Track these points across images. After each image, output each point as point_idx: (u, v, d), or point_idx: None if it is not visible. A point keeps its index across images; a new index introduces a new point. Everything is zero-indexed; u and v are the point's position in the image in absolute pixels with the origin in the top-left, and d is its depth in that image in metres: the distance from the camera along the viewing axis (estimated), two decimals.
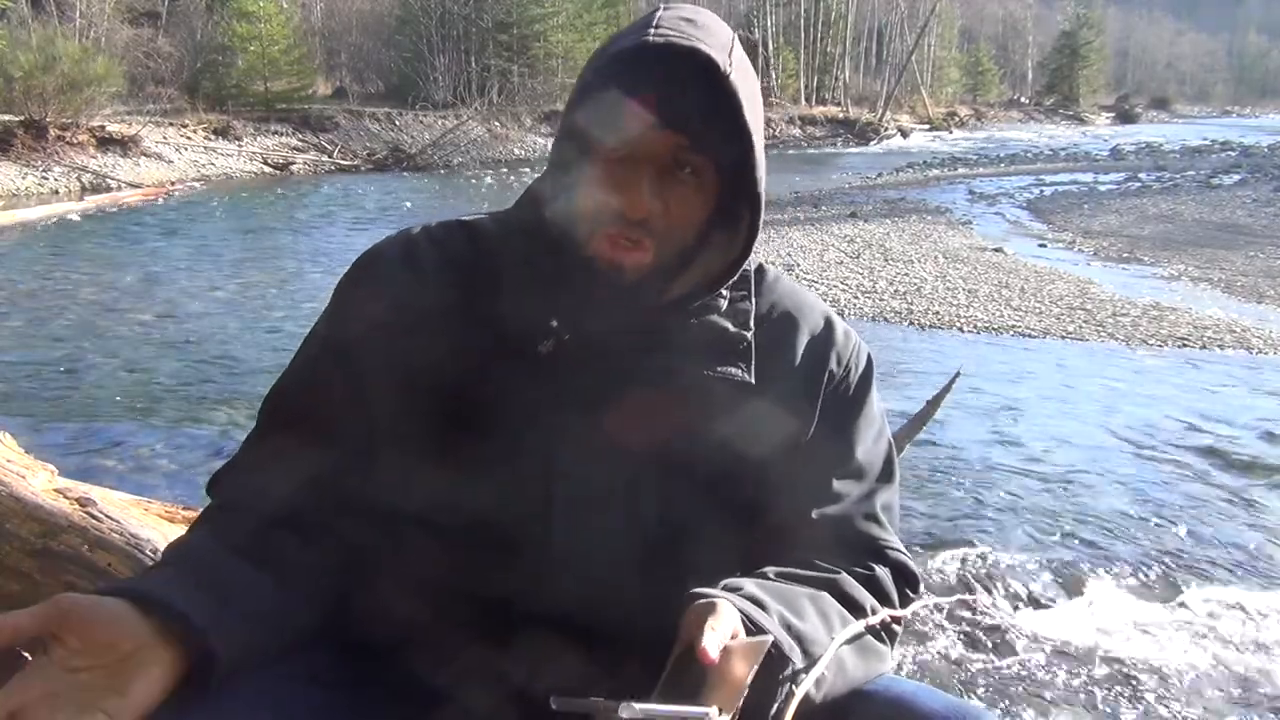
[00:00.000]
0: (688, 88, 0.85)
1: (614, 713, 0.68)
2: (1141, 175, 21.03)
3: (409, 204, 16.90)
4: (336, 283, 1.02)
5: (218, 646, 0.78)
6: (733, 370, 0.94)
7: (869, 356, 1.02)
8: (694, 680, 0.75)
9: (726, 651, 0.76)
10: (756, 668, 0.77)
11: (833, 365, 0.99)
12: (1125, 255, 11.27)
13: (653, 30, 0.87)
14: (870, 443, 1.00)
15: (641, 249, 0.89)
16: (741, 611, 0.82)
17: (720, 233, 0.93)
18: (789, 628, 0.84)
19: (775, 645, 0.81)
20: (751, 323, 0.97)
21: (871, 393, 1.01)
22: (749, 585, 0.86)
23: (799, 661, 0.83)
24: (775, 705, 0.82)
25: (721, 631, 0.77)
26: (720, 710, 0.73)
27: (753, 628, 0.81)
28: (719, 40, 0.88)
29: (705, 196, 0.90)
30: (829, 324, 1.01)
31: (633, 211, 0.87)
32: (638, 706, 0.68)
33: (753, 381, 0.94)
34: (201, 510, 1.00)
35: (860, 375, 1.01)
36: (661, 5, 0.91)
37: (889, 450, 1.02)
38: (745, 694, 0.77)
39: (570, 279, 0.92)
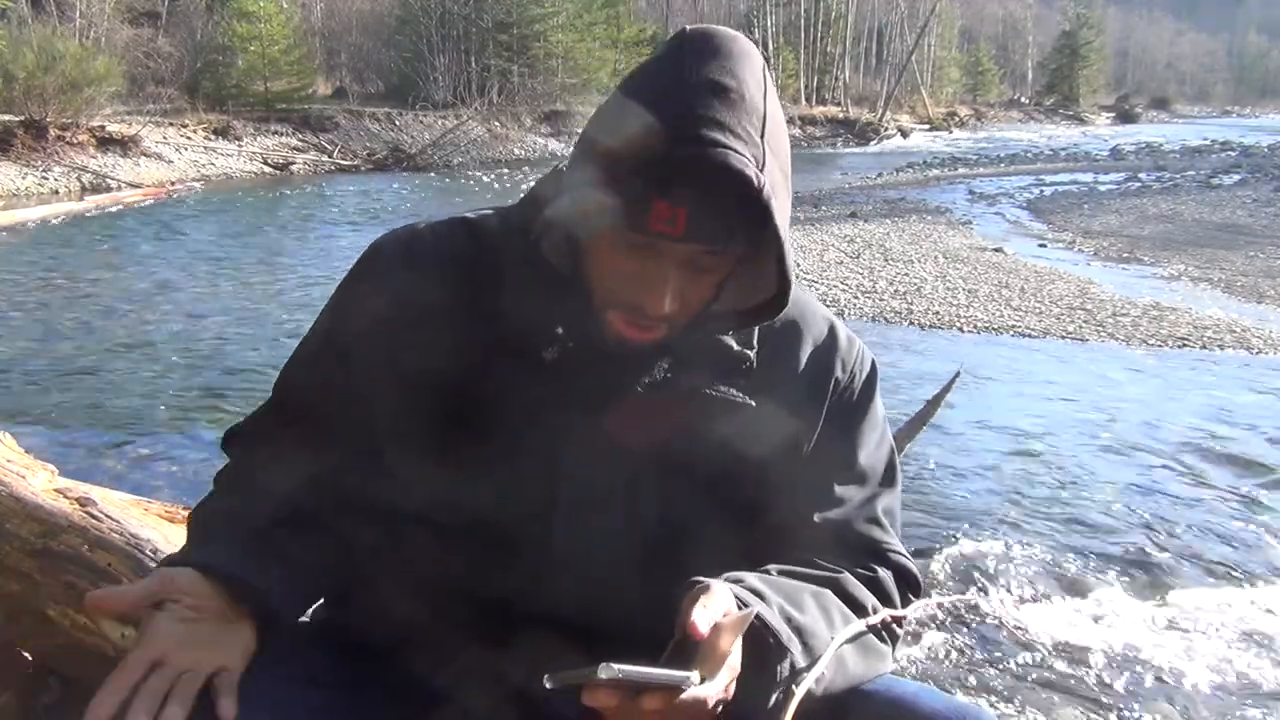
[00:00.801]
0: (717, 198, 0.81)
1: (595, 674, 0.68)
2: (1141, 175, 21.03)
3: (409, 204, 16.90)
4: (340, 279, 1.02)
5: (277, 604, 0.91)
6: (733, 391, 0.94)
7: (873, 362, 1.02)
8: (688, 658, 0.76)
9: (716, 628, 0.76)
10: (741, 647, 0.77)
11: (838, 372, 0.99)
12: (1125, 255, 11.27)
13: (682, 137, 0.80)
14: (873, 447, 1.00)
15: (654, 331, 0.89)
16: (742, 600, 0.82)
17: (734, 282, 0.91)
18: (789, 619, 0.84)
19: (775, 636, 0.82)
20: (755, 341, 0.96)
21: (875, 398, 1.02)
22: (750, 578, 0.87)
23: (798, 651, 0.83)
24: (774, 696, 0.82)
25: (713, 609, 0.77)
26: (703, 679, 0.73)
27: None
28: (750, 120, 0.82)
29: (720, 278, 0.89)
30: (833, 331, 1.01)
31: (654, 310, 0.86)
32: (616, 667, 0.69)
33: (752, 404, 0.94)
34: (219, 475, 1.04)
35: (864, 381, 1.01)
36: (686, 49, 0.85)
37: (891, 455, 1.02)
38: (737, 670, 0.77)
39: (574, 283, 0.91)
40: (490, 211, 1.02)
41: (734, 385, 0.94)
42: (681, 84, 0.83)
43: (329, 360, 0.99)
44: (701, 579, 0.82)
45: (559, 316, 0.91)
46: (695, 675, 0.72)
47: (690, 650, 0.76)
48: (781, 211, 0.84)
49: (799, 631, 0.84)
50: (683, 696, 0.72)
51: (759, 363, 0.95)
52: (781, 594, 0.86)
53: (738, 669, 0.78)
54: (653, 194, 0.81)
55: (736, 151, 0.80)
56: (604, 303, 0.89)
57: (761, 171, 0.81)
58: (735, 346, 0.95)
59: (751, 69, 0.85)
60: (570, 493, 0.91)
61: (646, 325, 0.88)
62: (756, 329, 0.96)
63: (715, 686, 0.74)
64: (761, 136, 0.83)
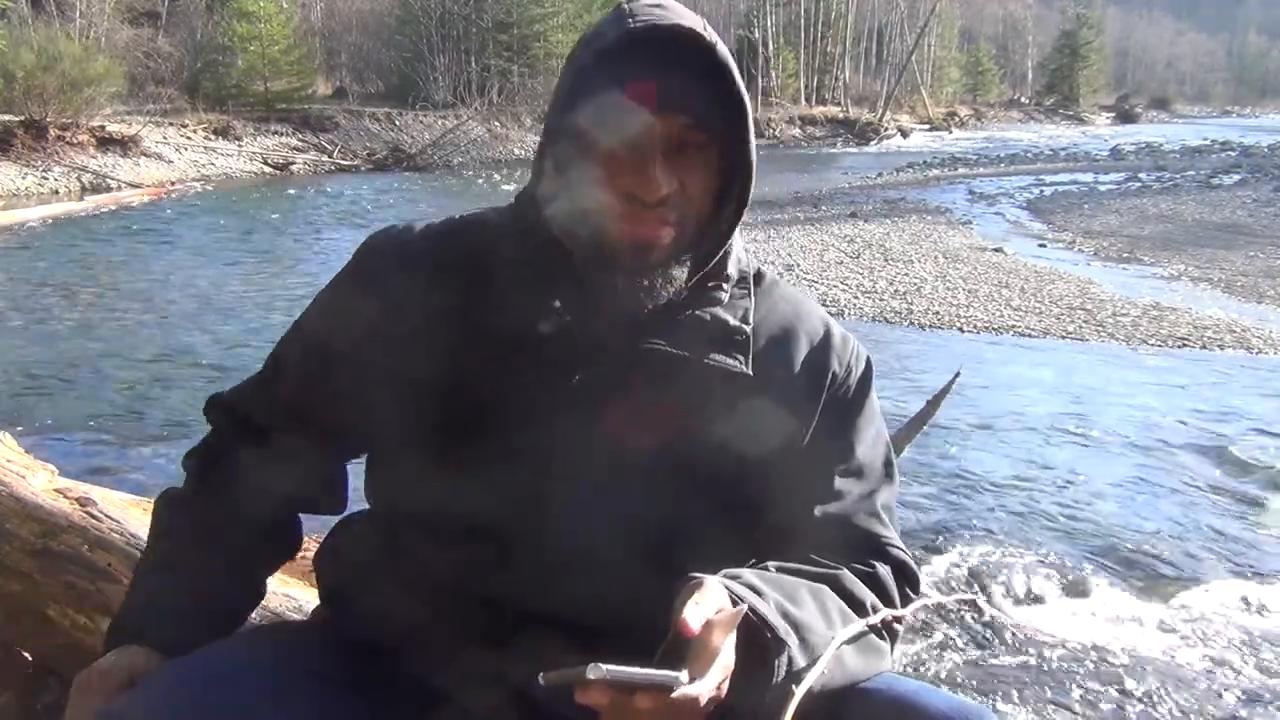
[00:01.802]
0: (679, 68, 0.86)
1: (584, 675, 0.68)
2: (1141, 175, 21.02)
3: (410, 204, 16.90)
4: (334, 277, 1.02)
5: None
6: (730, 360, 0.94)
7: (868, 359, 1.03)
8: (681, 655, 0.76)
9: (708, 625, 0.76)
10: (734, 643, 0.77)
11: (835, 368, 0.99)
12: (1125, 255, 11.27)
13: (631, 19, 0.87)
14: (870, 442, 1.00)
15: (668, 225, 0.89)
16: (739, 597, 0.81)
17: (721, 210, 0.94)
18: (786, 615, 0.84)
19: (771, 631, 0.81)
20: (750, 317, 0.97)
21: (871, 394, 1.02)
22: (747, 574, 0.87)
23: (794, 646, 0.83)
24: (772, 692, 0.82)
25: (705, 606, 0.77)
26: (692, 678, 0.73)
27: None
28: (692, 16, 0.90)
29: (711, 169, 0.91)
30: (828, 329, 1.01)
31: (650, 194, 0.87)
32: (605, 668, 0.69)
33: (750, 373, 0.94)
34: (192, 460, 1.08)
35: (860, 377, 1.01)
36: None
37: (888, 451, 1.02)
38: (729, 668, 0.77)
39: (567, 278, 0.91)
40: (482, 210, 1.03)
41: (730, 356, 0.94)
42: (618, 9, 0.90)
43: (314, 359, 1.00)
44: (696, 575, 0.82)
45: (551, 309, 0.92)
46: (684, 675, 0.73)
47: (683, 647, 0.76)
48: (743, 88, 0.89)
49: (796, 627, 0.84)
50: (674, 695, 0.72)
51: (755, 350, 0.96)
52: (778, 589, 0.86)
53: (731, 666, 0.77)
54: (621, 83, 0.86)
55: (682, 19, 0.87)
56: (604, 221, 0.89)
57: (713, 38, 0.87)
58: (731, 321, 0.95)
59: (685, 8, 0.92)
60: (565, 492, 0.91)
61: (649, 221, 0.88)
62: (750, 311, 0.97)
63: (706, 685, 0.74)
64: (704, 29, 0.88)
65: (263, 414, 1.05)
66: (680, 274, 0.92)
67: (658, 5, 0.89)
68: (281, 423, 1.03)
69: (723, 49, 0.88)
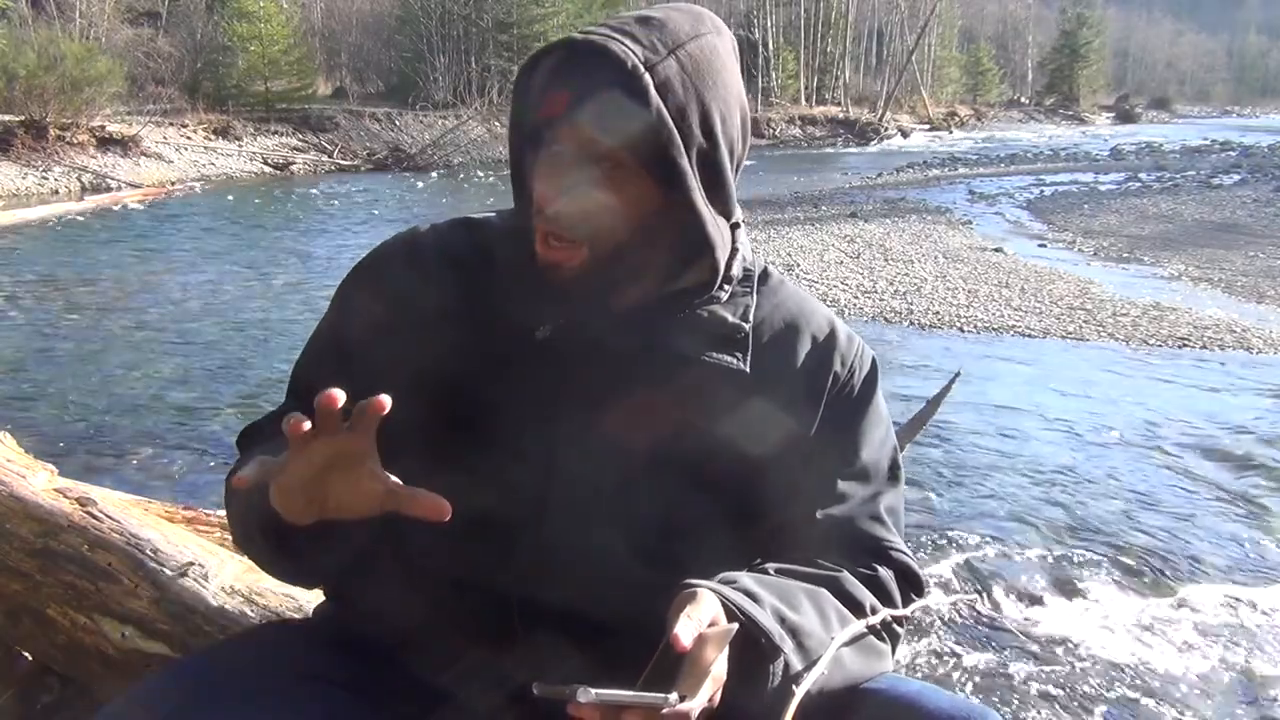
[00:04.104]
0: (597, 86, 0.85)
1: (574, 698, 0.69)
2: (1141, 175, 21.01)
3: (410, 204, 16.90)
4: (341, 281, 1.03)
5: None
6: (728, 358, 0.94)
7: (873, 359, 1.02)
8: (673, 668, 0.76)
9: (700, 639, 0.76)
10: (727, 655, 0.77)
11: (837, 368, 0.98)
12: (1125, 255, 11.27)
13: (580, 33, 0.88)
14: (876, 445, 1.00)
15: (573, 248, 0.89)
16: (733, 602, 0.81)
17: (666, 234, 0.91)
18: (782, 620, 0.83)
19: (766, 636, 0.81)
20: (751, 316, 0.97)
21: (877, 395, 1.01)
22: (744, 579, 0.86)
23: (790, 651, 0.83)
24: (768, 697, 0.82)
25: (697, 620, 0.77)
26: (684, 697, 0.73)
27: (740, 617, 0.81)
28: (662, 39, 0.87)
29: (632, 194, 0.88)
30: (832, 328, 1.01)
31: (545, 203, 0.87)
32: (594, 692, 0.69)
33: (748, 371, 0.94)
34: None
35: (865, 377, 1.00)
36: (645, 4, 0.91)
37: (894, 453, 1.02)
38: (721, 680, 0.77)
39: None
40: (490, 214, 1.03)
41: (728, 354, 0.94)
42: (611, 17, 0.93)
43: (331, 358, 1.00)
44: (692, 583, 0.82)
45: (550, 303, 0.92)
46: (674, 696, 0.73)
47: (674, 661, 0.76)
48: (685, 114, 0.87)
49: (793, 632, 0.84)
50: (664, 713, 0.73)
51: (757, 350, 0.95)
52: (775, 593, 0.86)
53: (723, 679, 0.77)
54: (543, 91, 0.88)
55: (622, 44, 0.85)
56: (529, 225, 0.90)
57: (651, 70, 0.85)
58: (730, 319, 0.95)
59: (684, 27, 0.89)
60: (566, 490, 0.91)
61: (557, 243, 0.89)
62: (750, 309, 0.97)
63: (697, 703, 0.74)
64: (670, 52, 0.87)
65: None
66: (613, 292, 0.92)
67: (642, 20, 0.89)
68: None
69: (666, 77, 0.86)
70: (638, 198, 0.88)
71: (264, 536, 0.89)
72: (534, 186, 0.88)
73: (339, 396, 0.74)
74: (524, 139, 0.92)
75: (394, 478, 0.80)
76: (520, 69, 0.92)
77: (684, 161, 0.87)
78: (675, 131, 0.86)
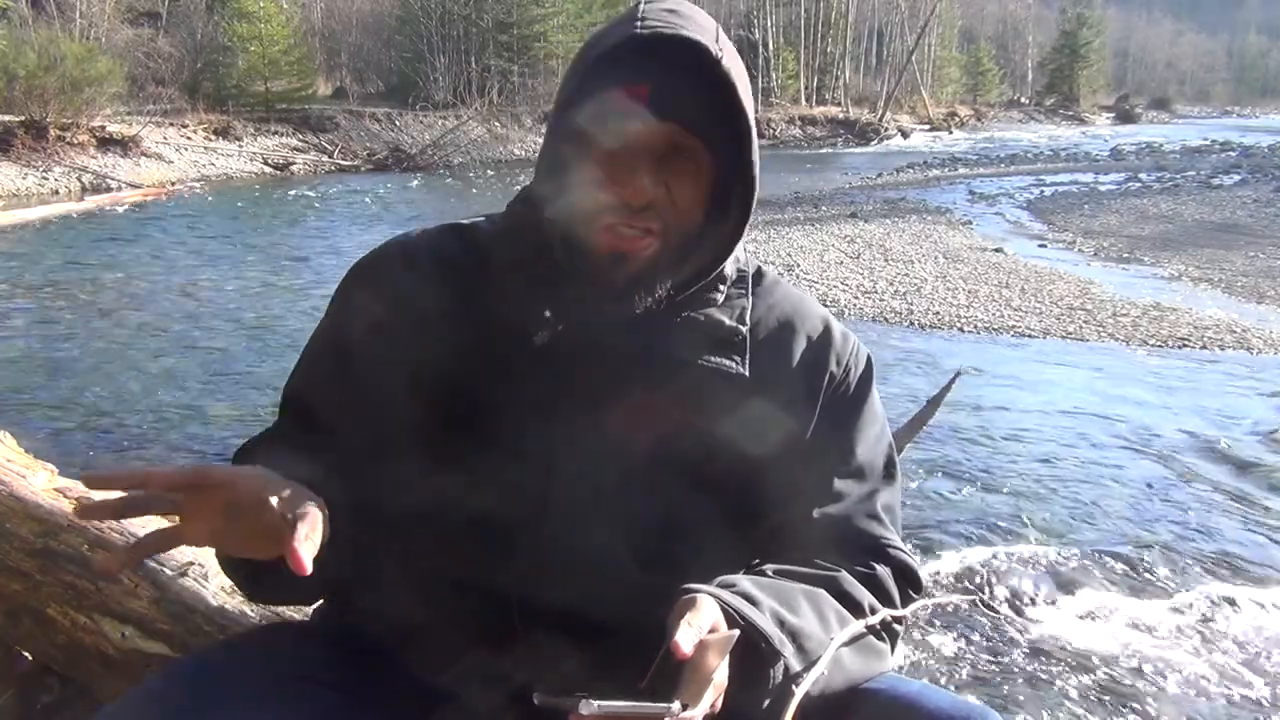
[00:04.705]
0: (679, 76, 0.86)
1: (576, 708, 0.69)
2: (1142, 175, 21.02)
3: (410, 204, 16.90)
4: (338, 284, 1.03)
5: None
6: (727, 362, 0.94)
7: (869, 358, 1.02)
8: (674, 675, 0.76)
9: (701, 646, 0.76)
10: (728, 661, 0.77)
11: (832, 367, 0.99)
12: (1125, 255, 11.27)
13: (639, 23, 0.87)
14: (872, 443, 1.00)
15: (650, 236, 0.89)
16: (733, 607, 0.81)
17: (717, 222, 0.93)
18: (782, 623, 0.84)
19: (766, 640, 0.81)
20: (748, 318, 0.97)
21: (872, 393, 1.01)
22: (743, 582, 0.86)
23: (791, 655, 0.83)
24: (769, 700, 0.82)
25: (698, 626, 0.77)
26: (686, 706, 0.73)
27: (739, 622, 0.81)
28: (705, 27, 0.89)
29: (703, 181, 0.90)
30: (827, 327, 1.01)
31: (635, 198, 0.87)
32: (596, 704, 0.69)
33: (747, 374, 0.94)
34: None
35: (860, 376, 1.00)
36: (643, 1, 0.91)
37: (890, 451, 1.02)
38: (723, 687, 0.77)
39: (563, 279, 0.92)
40: (478, 218, 1.04)
41: (726, 357, 0.94)
42: (633, 10, 0.90)
43: (328, 365, 1.00)
44: (692, 588, 0.82)
45: (548, 304, 0.92)
46: (676, 705, 0.73)
47: (675, 669, 0.76)
48: (746, 96, 0.88)
49: (793, 635, 0.84)
50: None
51: (754, 349, 0.96)
52: (774, 596, 0.86)
53: (724, 685, 0.78)
54: (618, 83, 0.86)
55: (689, 30, 0.87)
56: (591, 223, 0.89)
57: (720, 50, 0.86)
58: (727, 321, 0.95)
59: (704, 16, 0.91)
60: (565, 491, 0.91)
61: (634, 231, 0.88)
62: (747, 311, 0.97)
63: (699, 711, 0.74)
64: (717, 41, 0.88)
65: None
66: (663, 286, 0.92)
67: (671, 11, 0.89)
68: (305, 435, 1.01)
69: (730, 63, 0.87)
70: (704, 186, 0.91)
71: (233, 569, 0.95)
72: (606, 183, 0.88)
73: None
74: (571, 132, 0.89)
75: (307, 509, 0.78)
76: (572, 66, 0.91)
77: (755, 153, 0.91)
78: (751, 119, 0.89)
